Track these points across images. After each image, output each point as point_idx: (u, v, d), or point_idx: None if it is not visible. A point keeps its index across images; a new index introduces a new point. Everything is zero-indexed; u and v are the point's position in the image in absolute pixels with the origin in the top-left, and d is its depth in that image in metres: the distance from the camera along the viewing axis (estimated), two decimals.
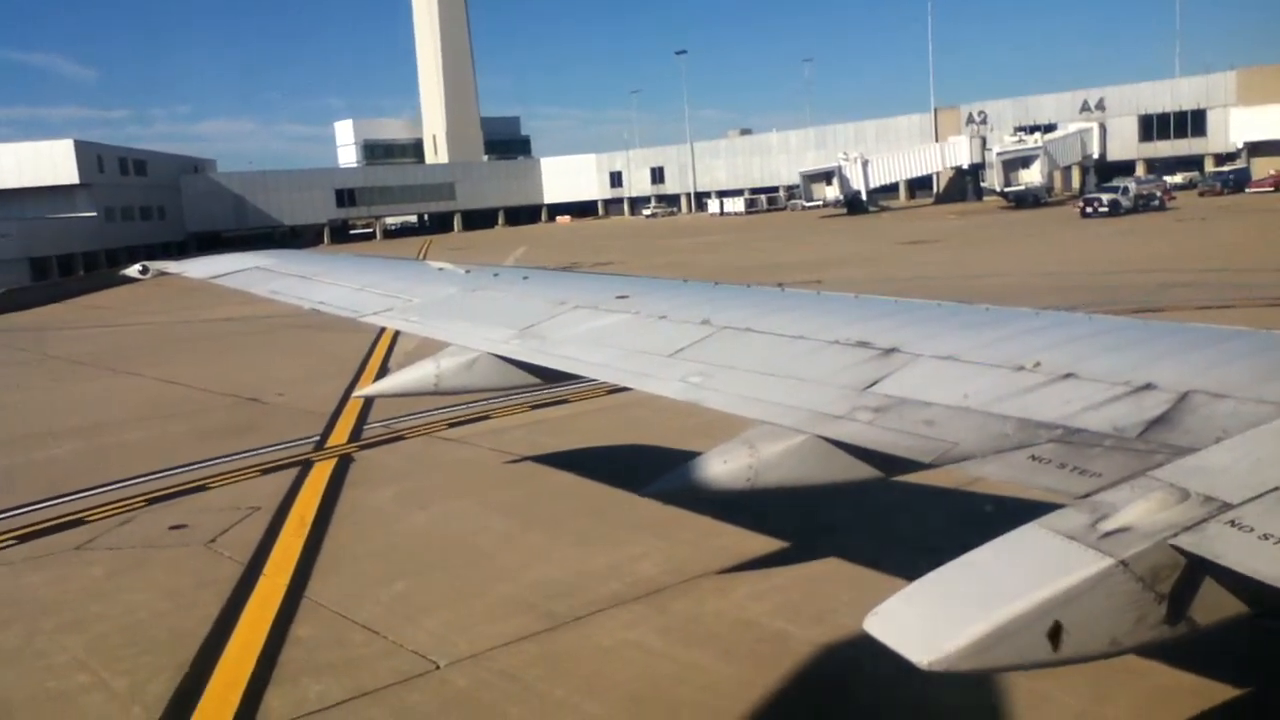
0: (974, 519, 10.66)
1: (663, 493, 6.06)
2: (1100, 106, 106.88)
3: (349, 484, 15.06)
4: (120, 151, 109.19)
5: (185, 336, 36.96)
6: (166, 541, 12.91)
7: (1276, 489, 3.35)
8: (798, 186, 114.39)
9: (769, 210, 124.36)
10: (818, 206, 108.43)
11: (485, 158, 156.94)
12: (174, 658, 9.27)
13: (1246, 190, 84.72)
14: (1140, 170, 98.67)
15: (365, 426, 18.68)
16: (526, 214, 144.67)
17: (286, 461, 16.48)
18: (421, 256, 57.08)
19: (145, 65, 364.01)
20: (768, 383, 5.85)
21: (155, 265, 13.34)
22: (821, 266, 44.87)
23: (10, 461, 18.49)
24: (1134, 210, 69.89)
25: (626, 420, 16.97)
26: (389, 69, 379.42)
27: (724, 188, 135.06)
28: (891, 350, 5.69)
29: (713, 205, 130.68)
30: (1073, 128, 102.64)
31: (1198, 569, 3.17)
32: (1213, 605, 3.24)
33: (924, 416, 4.86)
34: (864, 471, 5.12)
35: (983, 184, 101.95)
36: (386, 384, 10.01)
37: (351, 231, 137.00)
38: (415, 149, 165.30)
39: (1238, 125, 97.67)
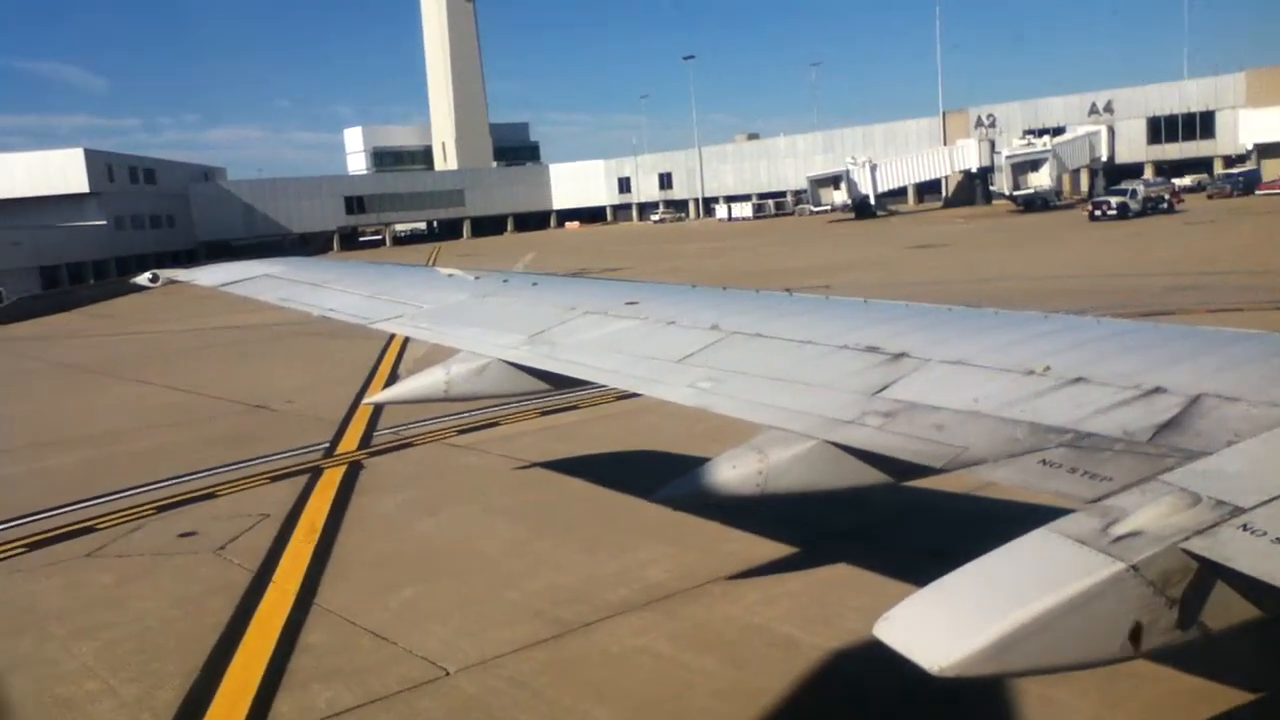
0: (984, 524, 10.63)
1: (672, 498, 6.04)
2: (1109, 109, 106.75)
3: (359, 491, 15.08)
4: (130, 160, 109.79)
5: (195, 344, 37.07)
6: (176, 549, 12.94)
7: None
8: (805, 191, 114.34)
9: (777, 215, 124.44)
10: (826, 211, 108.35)
11: (494, 164, 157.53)
12: (183, 665, 9.28)
13: (1256, 192, 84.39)
14: (1149, 173, 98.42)
15: (375, 433, 18.72)
16: (535, 220, 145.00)
17: (296, 469, 16.51)
18: (431, 263, 57.18)
19: (155, 74, 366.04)
20: (777, 388, 5.84)
21: (165, 273, 13.35)
22: (830, 271, 44.84)
23: (21, 469, 18.56)
24: (1143, 213, 69.73)
25: (636, 426, 16.97)
26: (398, 76, 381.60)
27: (732, 193, 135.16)
28: (901, 355, 5.67)
29: (720, 210, 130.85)
30: (1081, 130, 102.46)
31: (1209, 573, 3.14)
32: (1224, 610, 3.21)
33: (934, 421, 4.84)
34: (874, 477, 5.10)
35: (991, 187, 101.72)
36: (396, 391, 10.01)
37: (361, 238, 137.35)
38: (424, 156, 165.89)
39: (1247, 127, 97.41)
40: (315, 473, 16.19)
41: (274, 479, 15.95)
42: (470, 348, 8.48)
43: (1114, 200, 70.79)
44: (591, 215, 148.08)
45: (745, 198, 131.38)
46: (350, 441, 18.24)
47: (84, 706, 8.67)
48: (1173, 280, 32.49)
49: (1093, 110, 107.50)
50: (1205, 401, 4.21)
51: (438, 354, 8.86)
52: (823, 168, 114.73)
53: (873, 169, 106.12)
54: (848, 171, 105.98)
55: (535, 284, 10.09)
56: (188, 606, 10.90)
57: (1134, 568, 3.10)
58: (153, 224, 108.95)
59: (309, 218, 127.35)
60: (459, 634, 9.61)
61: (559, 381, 7.97)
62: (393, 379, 22.61)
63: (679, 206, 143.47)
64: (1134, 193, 72.00)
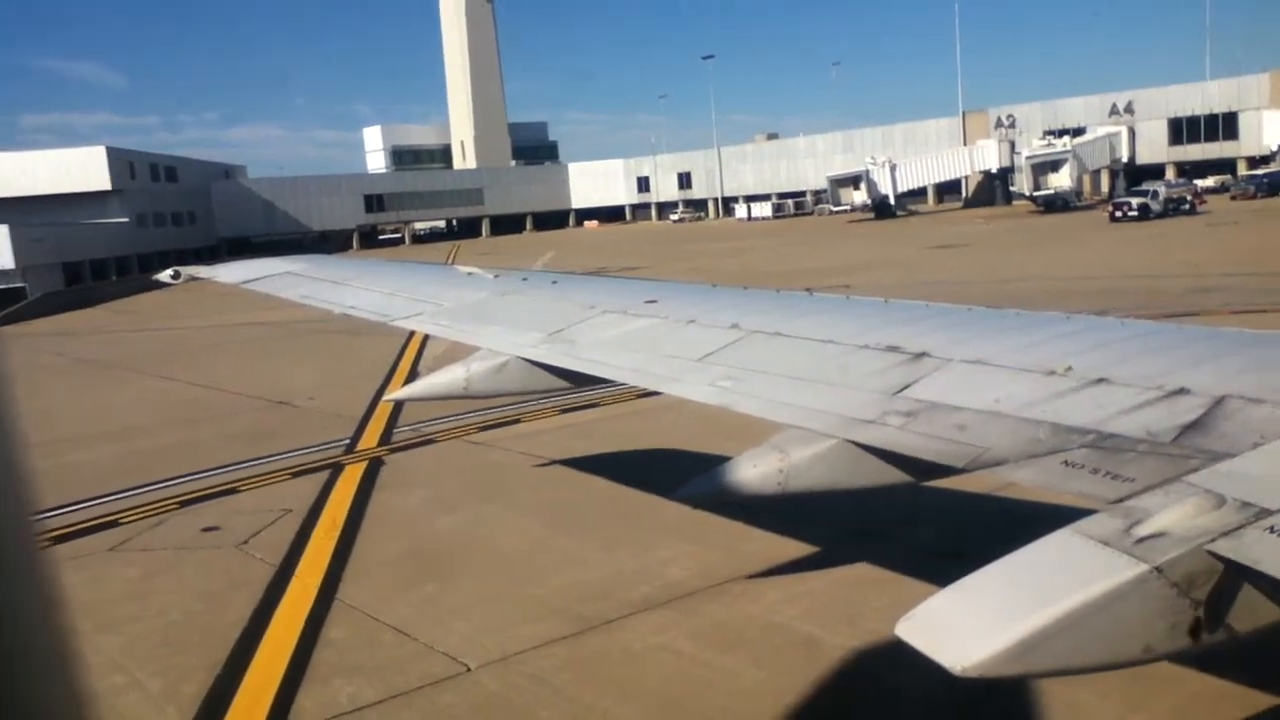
0: (1006, 524, 10.59)
1: (692, 497, 6.07)
2: (1129, 110, 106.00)
3: (379, 487, 15.15)
4: (151, 158, 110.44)
5: (216, 341, 37.28)
6: (199, 543, 13.04)
7: None
8: (825, 191, 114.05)
9: (796, 215, 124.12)
10: (845, 211, 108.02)
11: (513, 163, 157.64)
12: (207, 658, 9.36)
13: None
14: (1170, 174, 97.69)
15: (395, 430, 18.80)
16: (554, 219, 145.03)
17: (317, 464, 16.61)
18: (450, 261, 57.33)
19: (176, 72, 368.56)
20: (797, 387, 5.85)
21: (187, 270, 13.48)
22: (850, 271, 44.72)
23: (45, 464, 18.72)
24: (1164, 214, 69.21)
25: (655, 424, 16.99)
26: (417, 76, 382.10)
27: (751, 192, 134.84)
28: (922, 355, 5.68)
29: (740, 210, 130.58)
30: (1102, 131, 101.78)
31: (1235, 575, 3.14)
32: (1250, 612, 3.21)
33: (955, 421, 4.84)
34: (894, 476, 5.11)
35: (1011, 188, 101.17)
36: (416, 388, 10.07)
37: (380, 236, 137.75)
38: (443, 155, 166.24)
39: (1271, 127, 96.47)
40: (336, 469, 16.28)
41: (295, 475, 16.05)
42: (490, 345, 8.52)
43: (1135, 201, 70.25)
44: (610, 215, 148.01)
45: (765, 197, 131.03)
46: (371, 438, 18.33)
47: (110, 699, 8.74)
48: (1195, 281, 32.27)
49: (1113, 111, 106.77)
50: (1229, 403, 4.19)
51: (457, 351, 8.91)
52: (842, 168, 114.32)
53: (892, 169, 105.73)
54: (867, 171, 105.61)
55: (554, 282, 10.13)
56: (211, 601, 10.99)
57: (1158, 569, 3.10)
58: (174, 221, 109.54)
59: (329, 215, 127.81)
60: (480, 630, 9.66)
61: (578, 379, 8.00)
62: (413, 376, 22.69)
63: (698, 206, 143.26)
64: (1155, 194, 71.48)
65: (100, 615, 10.70)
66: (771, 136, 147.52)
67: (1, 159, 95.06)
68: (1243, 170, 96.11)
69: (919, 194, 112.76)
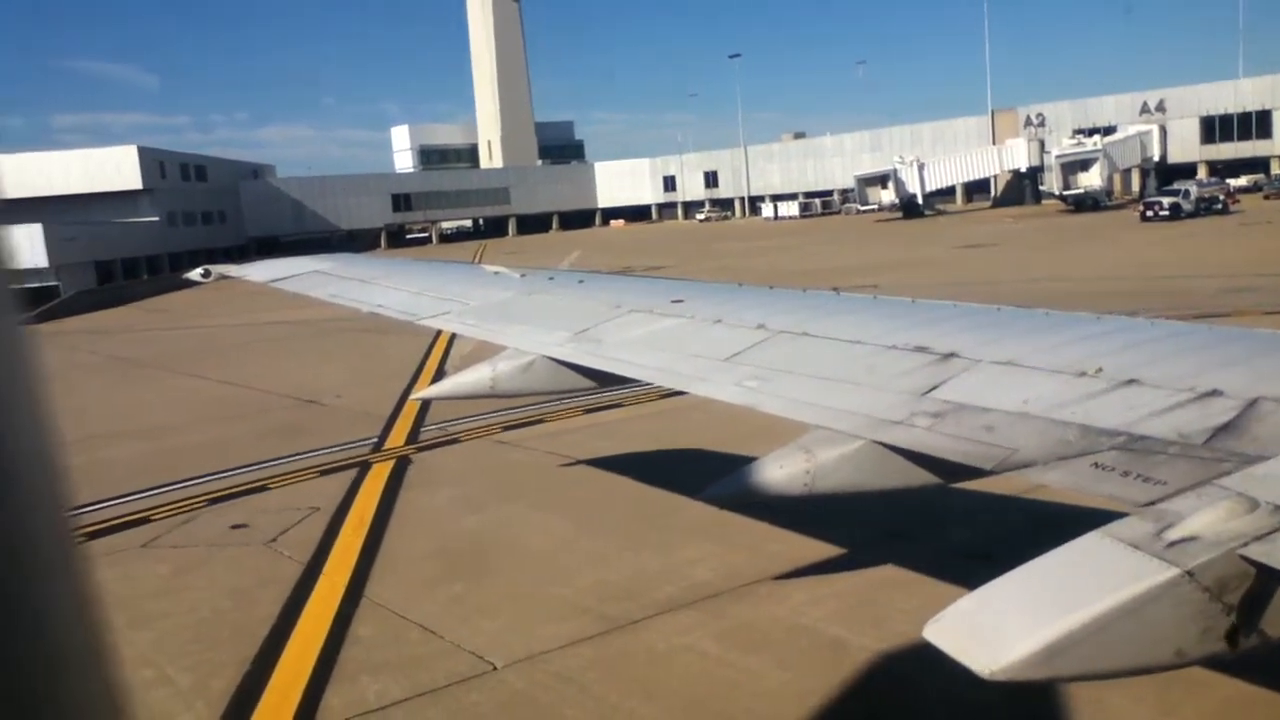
0: (1034, 527, 10.52)
1: (718, 497, 6.06)
2: (1161, 108, 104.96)
3: (406, 485, 15.23)
4: (182, 157, 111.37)
5: (246, 339, 37.56)
6: (228, 540, 13.15)
7: None
8: (852, 190, 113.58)
9: (823, 214, 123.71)
10: (873, 210, 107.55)
11: (539, 162, 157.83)
12: (236, 654, 9.44)
13: None
14: (1202, 173, 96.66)
15: (422, 429, 18.88)
16: (580, 218, 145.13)
17: (345, 463, 16.70)
18: (477, 260, 57.53)
19: (206, 73, 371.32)
20: (824, 387, 5.83)
21: (217, 269, 13.60)
22: (877, 271, 44.52)
23: (77, 461, 18.92)
24: (1195, 214, 68.50)
25: (681, 424, 16.98)
26: (444, 75, 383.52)
27: (778, 191, 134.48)
28: (950, 355, 5.64)
29: (766, 209, 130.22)
30: (1132, 130, 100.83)
31: (1268, 580, 3.10)
32: None
33: (983, 422, 4.80)
34: (922, 478, 5.07)
35: (1041, 187, 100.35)
36: (443, 387, 10.11)
37: (407, 236, 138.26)
38: (470, 154, 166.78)
39: None
40: (364, 467, 16.37)
41: (323, 473, 16.15)
42: (516, 345, 8.54)
43: (1166, 200, 69.54)
44: (636, 214, 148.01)
45: (791, 196, 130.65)
46: (398, 437, 18.42)
47: (141, 694, 8.82)
48: (1227, 282, 31.93)
49: (1144, 109, 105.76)
50: (1263, 405, 4.14)
51: (484, 351, 8.94)
52: (870, 166, 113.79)
53: (920, 168, 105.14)
54: (895, 170, 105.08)
55: (581, 281, 10.14)
56: (240, 597, 11.08)
57: (1189, 573, 3.06)
58: (204, 220, 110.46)
59: (357, 215, 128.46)
60: (506, 629, 9.69)
61: (604, 379, 8.00)
62: (439, 375, 22.78)
63: (724, 205, 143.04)
64: (1187, 193, 70.73)
65: (133, 611, 10.81)
66: (798, 135, 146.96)
67: (34, 159, 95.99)
68: (1276, 169, 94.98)
69: (947, 193, 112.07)
